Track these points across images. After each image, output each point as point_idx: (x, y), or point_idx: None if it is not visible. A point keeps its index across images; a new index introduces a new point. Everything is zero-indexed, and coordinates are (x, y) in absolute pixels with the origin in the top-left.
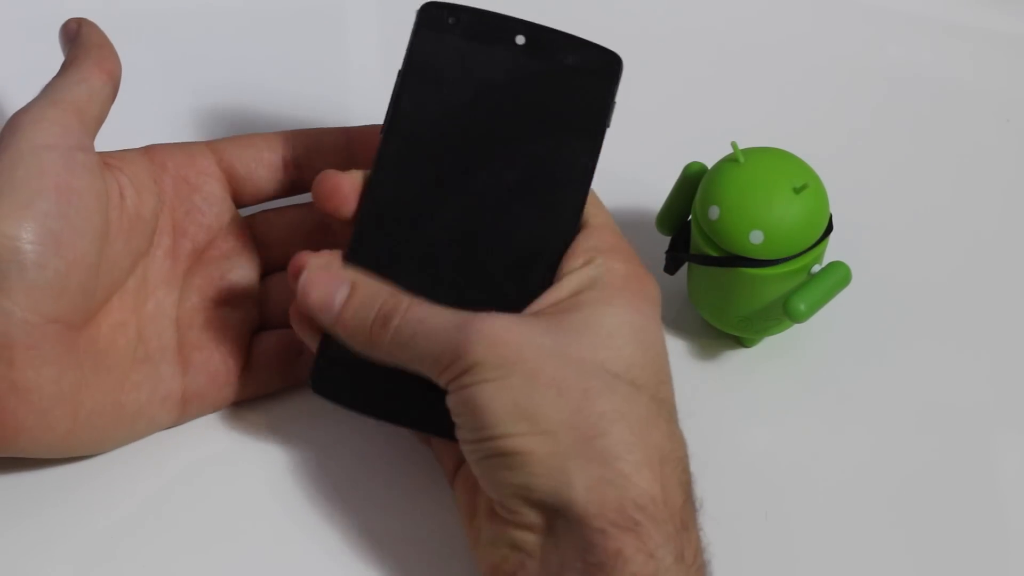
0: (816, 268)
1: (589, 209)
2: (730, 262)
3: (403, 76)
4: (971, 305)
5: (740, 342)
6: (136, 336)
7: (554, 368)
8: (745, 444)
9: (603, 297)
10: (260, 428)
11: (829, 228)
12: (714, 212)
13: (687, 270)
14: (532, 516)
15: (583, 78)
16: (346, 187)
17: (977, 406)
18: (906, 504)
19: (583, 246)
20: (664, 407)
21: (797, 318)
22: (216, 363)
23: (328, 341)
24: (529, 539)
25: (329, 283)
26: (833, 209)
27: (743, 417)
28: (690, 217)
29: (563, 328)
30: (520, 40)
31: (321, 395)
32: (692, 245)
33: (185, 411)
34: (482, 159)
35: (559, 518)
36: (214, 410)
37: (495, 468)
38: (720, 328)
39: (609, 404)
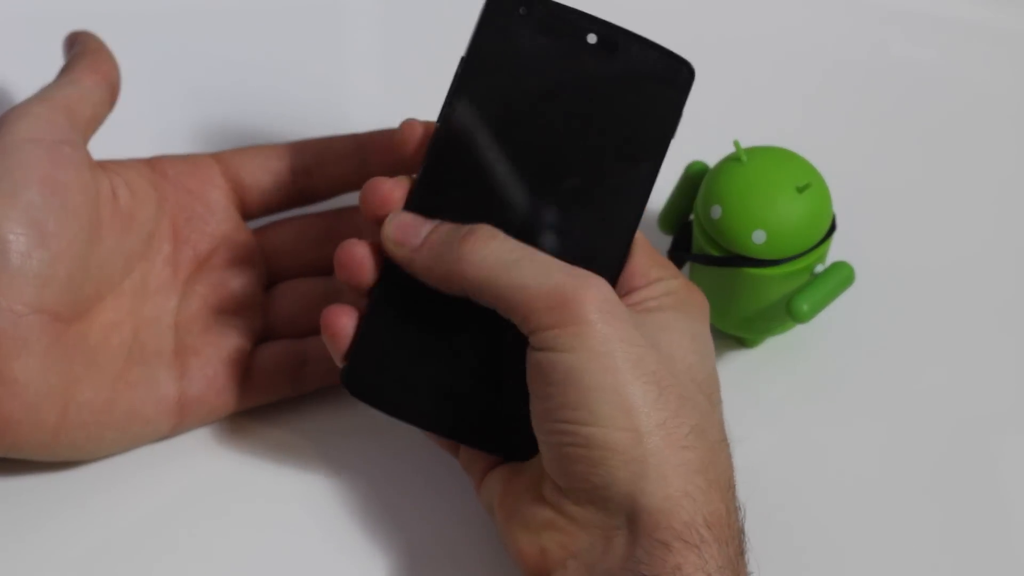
0: (819, 268)
1: None
2: (732, 262)
3: (465, 64)
4: (975, 305)
5: (742, 342)
6: (131, 337)
7: (655, 362)
8: (747, 444)
9: (675, 304)
10: (266, 441)
11: (832, 228)
12: (716, 211)
13: (689, 270)
14: (592, 515)
15: (653, 85)
16: (396, 197)
17: (981, 407)
18: (909, 504)
19: (645, 265)
20: (725, 430)
21: (800, 318)
22: (214, 368)
23: (367, 331)
24: (580, 538)
25: (414, 219)
26: (836, 209)
27: (745, 418)
28: (692, 216)
29: (647, 324)
30: (592, 39)
31: (353, 392)
32: (694, 245)
33: (183, 417)
34: (540, 160)
35: (622, 524)
36: (214, 419)
37: (574, 455)
38: (722, 328)
39: (698, 417)
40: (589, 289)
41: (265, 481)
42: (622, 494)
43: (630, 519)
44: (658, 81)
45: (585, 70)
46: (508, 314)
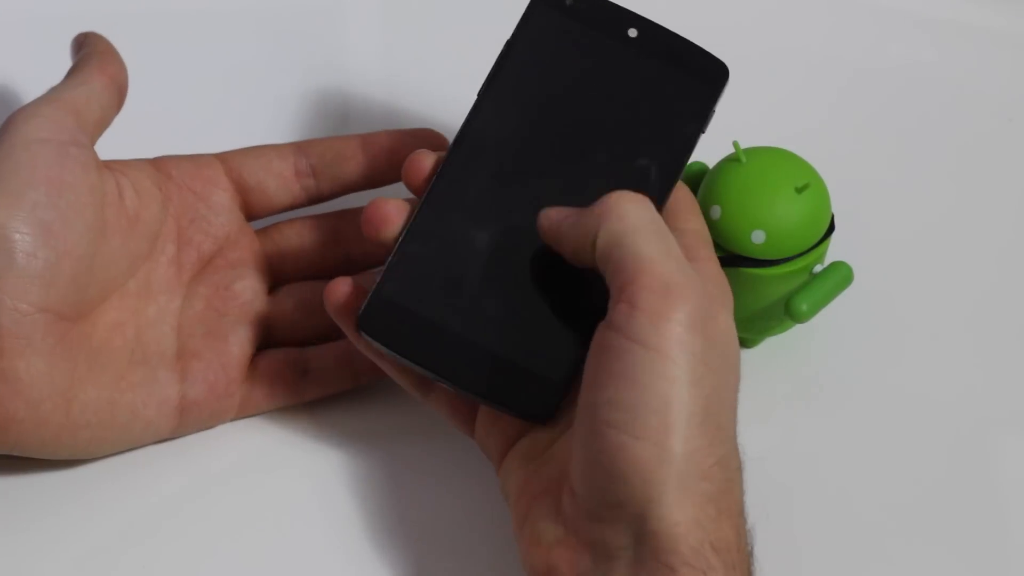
0: (818, 268)
1: (681, 213)
2: (732, 262)
3: (509, 47)
4: (973, 305)
5: (742, 342)
6: (134, 338)
7: (710, 386)
8: (746, 444)
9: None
10: (270, 438)
11: (831, 228)
12: (716, 212)
13: None
14: (602, 533)
15: (687, 82)
16: (427, 166)
17: (978, 407)
18: (907, 504)
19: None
20: (739, 454)
21: (799, 318)
22: (215, 373)
23: (387, 276)
24: (586, 558)
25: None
26: (835, 209)
27: (744, 417)
28: None
29: None
30: (632, 33)
31: (368, 335)
32: None
33: (184, 420)
34: (571, 148)
35: (629, 545)
36: (215, 423)
37: (603, 462)
38: None
39: (726, 448)
40: (693, 291)
41: (268, 477)
42: (633, 515)
43: (637, 541)
44: (693, 78)
45: (625, 64)
46: (612, 276)
